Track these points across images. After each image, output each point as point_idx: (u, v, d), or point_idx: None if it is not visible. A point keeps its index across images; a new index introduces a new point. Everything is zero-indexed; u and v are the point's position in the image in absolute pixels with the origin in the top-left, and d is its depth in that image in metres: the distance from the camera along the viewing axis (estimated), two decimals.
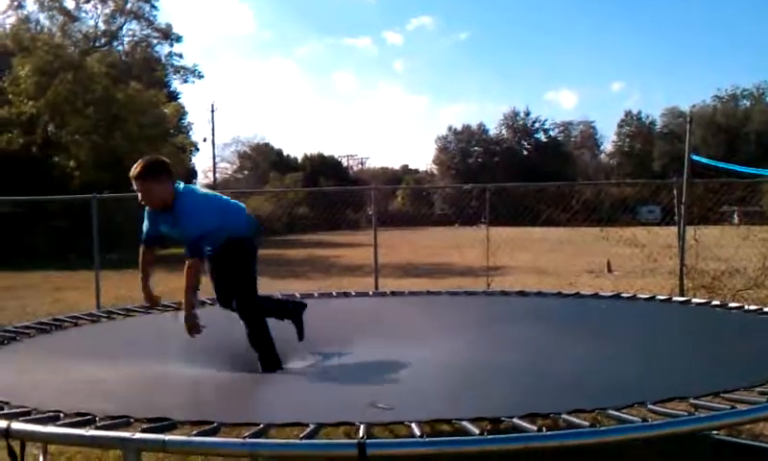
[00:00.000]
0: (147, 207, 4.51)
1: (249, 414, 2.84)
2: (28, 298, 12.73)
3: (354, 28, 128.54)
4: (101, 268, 10.46)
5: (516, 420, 2.58)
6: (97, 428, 2.62)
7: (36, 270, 18.26)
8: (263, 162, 70.39)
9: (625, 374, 3.52)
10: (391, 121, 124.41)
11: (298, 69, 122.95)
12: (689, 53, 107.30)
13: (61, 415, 2.81)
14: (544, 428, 2.51)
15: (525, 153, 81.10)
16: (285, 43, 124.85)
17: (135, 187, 4.32)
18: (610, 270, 15.55)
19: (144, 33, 41.16)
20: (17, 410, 2.89)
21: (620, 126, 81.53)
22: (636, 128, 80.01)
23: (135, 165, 4.32)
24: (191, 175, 47.29)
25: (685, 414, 2.64)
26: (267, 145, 74.51)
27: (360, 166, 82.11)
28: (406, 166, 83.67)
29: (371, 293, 7.95)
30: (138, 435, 2.53)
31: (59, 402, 2.98)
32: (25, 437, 2.74)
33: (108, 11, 38.71)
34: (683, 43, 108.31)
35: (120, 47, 40.54)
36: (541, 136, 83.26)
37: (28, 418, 2.79)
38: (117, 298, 10.95)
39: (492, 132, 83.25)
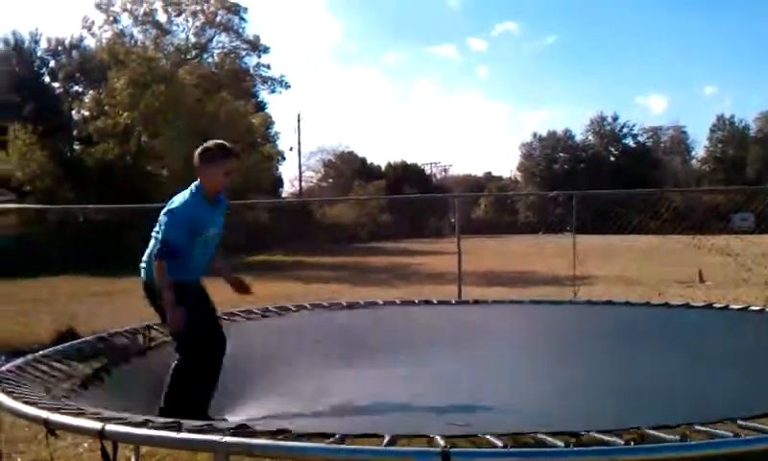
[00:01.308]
0: (190, 203, 4.28)
1: (326, 423, 2.88)
2: (120, 303, 13.18)
3: (439, 35, 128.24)
4: None
5: (594, 433, 2.53)
6: (188, 431, 2.72)
7: (131, 276, 18.83)
8: (347, 170, 71.10)
9: (710, 388, 3.42)
10: (474, 128, 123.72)
11: (381, 77, 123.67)
12: None
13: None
14: (632, 442, 2.46)
15: (613, 159, 79.44)
16: (370, 52, 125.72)
17: (232, 166, 4.36)
18: (702, 280, 15.08)
19: (233, 44, 42.22)
20: (113, 414, 3.01)
21: (712, 131, 79.00)
22: (728, 132, 77.39)
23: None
24: (278, 183, 48.27)
25: None
26: (351, 153, 75.26)
27: (443, 173, 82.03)
28: (489, 173, 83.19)
29: (453, 301, 7.92)
30: (227, 439, 2.60)
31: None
32: (118, 439, 2.85)
33: (198, 23, 39.90)
34: None
35: (210, 59, 41.69)
36: (630, 142, 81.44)
37: (121, 420, 2.91)
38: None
39: (579, 137, 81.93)
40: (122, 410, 3.05)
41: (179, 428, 2.74)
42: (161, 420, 2.88)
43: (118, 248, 23.04)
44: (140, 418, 2.92)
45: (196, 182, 4.33)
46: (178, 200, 4.28)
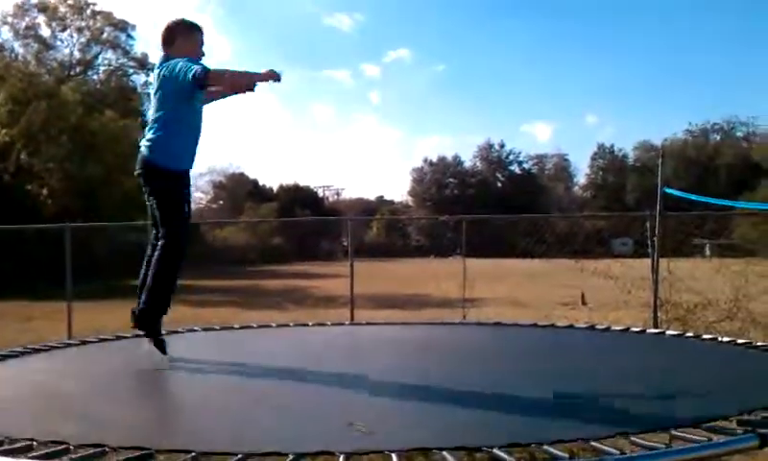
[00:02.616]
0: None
1: (225, 441, 2.81)
2: None
3: (333, 60, 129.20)
4: (73, 298, 10.34)
5: (495, 450, 2.57)
6: (71, 460, 2.58)
7: (7, 299, 17.99)
8: (238, 192, 70.24)
9: (603, 404, 3.53)
10: (366, 152, 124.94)
11: (274, 99, 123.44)
12: (661, 88, 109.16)
13: (34, 444, 2.77)
14: (522, 460, 2.51)
15: (499, 185, 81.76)
16: None
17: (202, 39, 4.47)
18: (584, 302, 15.64)
19: (120, 62, 41.19)
20: None
21: (593, 159, 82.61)
22: (608, 161, 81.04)
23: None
24: None
25: (663, 446, 2.65)
26: (242, 175, 74.45)
27: (336, 197, 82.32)
28: (381, 197, 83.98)
29: (346, 323, 7.95)
30: None
31: (32, 428, 2.93)
32: None
33: (83, 40, 38.77)
34: (655, 78, 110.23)
35: (95, 76, 40.50)
36: (516, 169, 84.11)
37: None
38: (89, 328, 10.82)
39: (468, 163, 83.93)
40: None
41: (62, 455, 2.61)
42: (44, 449, 2.72)
43: None
44: (18, 445, 2.75)
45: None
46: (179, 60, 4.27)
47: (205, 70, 4.13)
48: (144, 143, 4.51)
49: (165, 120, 4.44)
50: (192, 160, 4.62)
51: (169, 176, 4.44)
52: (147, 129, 4.53)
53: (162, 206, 4.46)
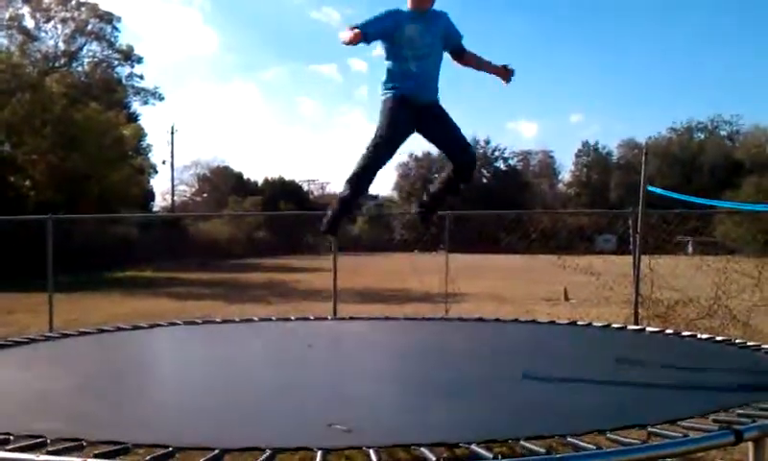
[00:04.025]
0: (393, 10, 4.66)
1: (204, 435, 2.80)
2: None
3: (320, 54, 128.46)
4: (55, 290, 10.28)
5: (473, 446, 2.59)
6: (48, 453, 2.57)
7: None
8: (223, 186, 69.95)
9: (582, 400, 3.56)
10: (352, 147, 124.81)
11: (260, 93, 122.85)
12: (646, 86, 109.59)
13: (11, 437, 2.75)
14: (500, 455, 2.52)
15: (485, 180, 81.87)
16: (248, 67, 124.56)
17: None
18: (567, 298, 15.70)
19: (104, 54, 40.93)
20: None
21: (578, 156, 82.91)
22: (593, 158, 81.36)
23: None
24: (149, 197, 46.90)
25: (639, 442, 2.67)
26: (227, 168, 74.14)
27: (321, 191, 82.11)
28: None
29: (329, 318, 7.95)
30: (48, 458, 2.48)
31: (9, 422, 2.92)
32: None
33: (68, 31, 38.47)
34: (640, 77, 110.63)
35: (80, 68, 40.20)
36: (501, 165, 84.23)
37: None
38: (70, 321, 10.77)
39: None
40: None
41: (40, 448, 2.60)
42: (21, 442, 2.71)
43: None
44: None
45: None
46: None
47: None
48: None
49: None
50: None
51: None
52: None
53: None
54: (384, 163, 4.78)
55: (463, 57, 4.90)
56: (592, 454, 2.55)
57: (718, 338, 5.58)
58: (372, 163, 4.72)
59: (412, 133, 4.78)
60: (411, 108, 4.66)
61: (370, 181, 4.82)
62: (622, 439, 2.70)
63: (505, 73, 4.95)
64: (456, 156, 4.83)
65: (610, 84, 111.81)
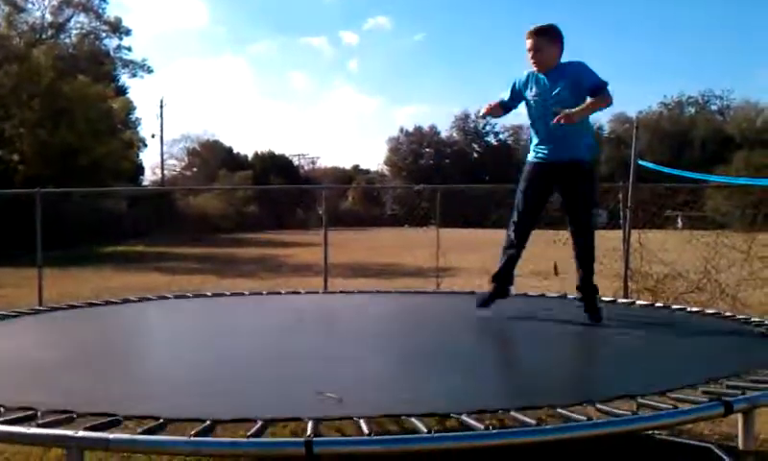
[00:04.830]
0: (522, 75, 4.89)
1: (194, 407, 2.80)
2: None
3: (310, 27, 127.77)
4: (44, 265, 10.24)
5: (464, 417, 2.59)
6: (39, 426, 2.56)
7: None
8: (212, 160, 69.61)
9: (571, 372, 3.58)
10: (343, 121, 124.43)
11: (250, 66, 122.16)
12: (638, 60, 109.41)
13: (2, 410, 2.74)
14: (491, 426, 2.53)
15: (476, 155, 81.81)
16: (239, 40, 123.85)
17: (528, 45, 4.73)
18: (556, 273, 15.73)
19: (92, 25, 40.50)
20: None
21: None
22: None
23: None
24: (138, 171, 46.67)
25: (629, 413, 2.68)
26: (217, 142, 73.72)
27: (311, 166, 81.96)
28: (357, 166, 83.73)
29: (320, 291, 7.96)
30: (81, 433, 2.47)
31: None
32: None
33: (55, 2, 38.07)
34: (631, 51, 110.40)
35: (67, 40, 39.76)
36: (492, 139, 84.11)
37: None
38: (60, 295, 10.72)
39: (444, 134, 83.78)
40: None
41: (30, 421, 2.59)
42: (12, 414, 2.70)
43: None
44: None
45: None
46: None
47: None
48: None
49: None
50: None
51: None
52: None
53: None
54: (525, 230, 5.08)
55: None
56: (582, 425, 2.56)
57: (708, 311, 5.62)
58: (511, 232, 5.05)
59: (550, 194, 4.99)
60: (544, 169, 4.84)
61: (514, 248, 5.09)
62: (612, 410, 2.71)
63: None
64: (571, 232, 5.04)
65: (600, 57, 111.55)
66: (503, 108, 5.01)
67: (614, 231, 10.43)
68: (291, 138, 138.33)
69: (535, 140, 4.96)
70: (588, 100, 4.66)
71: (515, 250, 5.15)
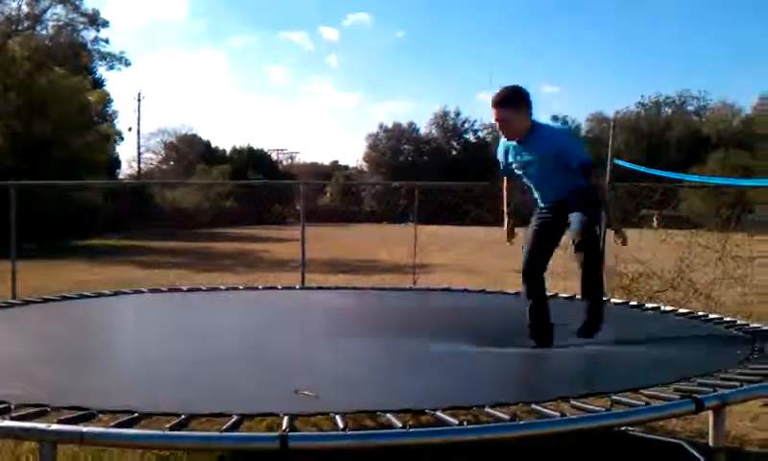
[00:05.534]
0: (501, 141, 4.83)
1: (170, 402, 2.79)
2: None
3: (290, 21, 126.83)
4: (18, 258, 10.13)
5: (439, 413, 2.61)
6: (12, 419, 2.54)
7: None
8: (190, 154, 69.17)
9: (547, 370, 3.60)
10: (322, 117, 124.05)
11: (229, 60, 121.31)
12: (616, 60, 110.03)
13: None
14: (465, 422, 2.54)
15: (454, 152, 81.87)
16: (218, 33, 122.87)
17: (493, 116, 4.61)
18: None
19: (69, 17, 40.09)
20: None
21: None
22: None
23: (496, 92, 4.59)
24: (115, 164, 46.25)
25: (603, 410, 2.71)
26: (194, 136, 73.22)
27: (290, 161, 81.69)
28: (336, 162, 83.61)
29: (297, 287, 7.94)
30: (55, 426, 2.46)
31: None
32: None
33: None
34: (610, 51, 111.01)
35: (44, 31, 39.33)
36: (470, 137, 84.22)
37: None
38: (34, 288, 10.61)
39: (423, 131, 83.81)
40: None
41: (3, 414, 2.57)
42: None
43: None
44: None
45: None
46: None
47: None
48: None
49: None
50: None
51: None
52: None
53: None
54: (540, 264, 4.97)
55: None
56: (556, 421, 2.59)
57: (681, 310, 5.68)
58: (525, 267, 4.93)
59: (560, 230, 4.89)
60: (546, 211, 4.84)
61: (534, 280, 4.91)
62: (586, 406, 2.74)
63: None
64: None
65: (580, 57, 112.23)
66: (510, 176, 4.97)
67: None
68: (270, 133, 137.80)
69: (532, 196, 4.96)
70: (596, 190, 4.73)
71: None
